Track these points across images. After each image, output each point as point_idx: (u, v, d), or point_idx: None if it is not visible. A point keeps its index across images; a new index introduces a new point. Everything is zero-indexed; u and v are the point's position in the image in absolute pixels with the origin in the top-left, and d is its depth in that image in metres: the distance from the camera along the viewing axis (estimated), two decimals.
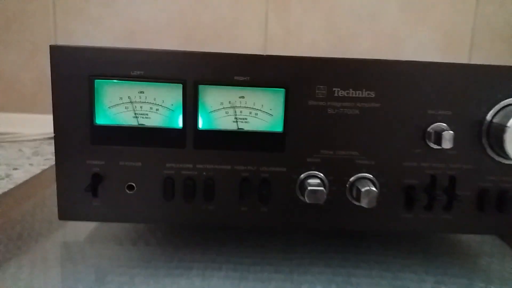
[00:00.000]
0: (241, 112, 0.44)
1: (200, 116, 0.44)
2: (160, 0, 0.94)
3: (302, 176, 0.44)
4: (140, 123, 0.44)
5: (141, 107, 0.44)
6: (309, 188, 0.42)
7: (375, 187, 0.44)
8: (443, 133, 0.41)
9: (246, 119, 0.44)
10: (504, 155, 0.42)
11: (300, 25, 0.92)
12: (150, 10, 0.94)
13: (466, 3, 0.91)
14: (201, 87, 0.43)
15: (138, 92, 0.44)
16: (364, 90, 0.43)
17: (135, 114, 0.45)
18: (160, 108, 0.44)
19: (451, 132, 0.42)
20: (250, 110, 0.44)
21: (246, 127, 0.44)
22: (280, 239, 0.55)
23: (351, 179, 0.44)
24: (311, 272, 0.47)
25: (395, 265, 0.49)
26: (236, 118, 0.44)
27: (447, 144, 0.41)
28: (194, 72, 0.43)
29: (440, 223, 0.45)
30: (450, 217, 0.45)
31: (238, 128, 0.44)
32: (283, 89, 0.43)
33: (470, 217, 0.45)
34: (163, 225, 0.58)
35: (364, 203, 0.42)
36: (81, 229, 0.57)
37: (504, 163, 0.44)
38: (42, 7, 0.93)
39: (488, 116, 0.44)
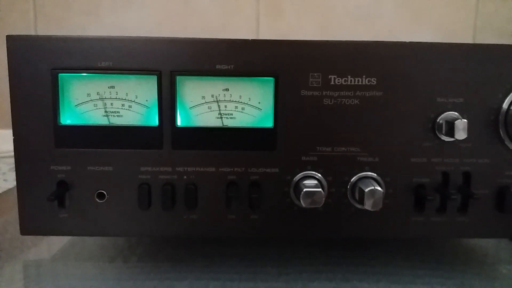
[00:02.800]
0: (225, 106, 0.39)
1: (179, 112, 0.38)
2: (146, 7, 0.89)
3: (297, 177, 0.39)
4: (111, 122, 0.39)
5: (111, 104, 0.39)
6: (305, 190, 0.37)
7: (380, 187, 0.38)
8: (456, 122, 0.36)
9: (231, 114, 0.39)
10: None
11: (293, 28, 0.88)
12: (136, 17, 0.89)
13: (466, 2, 0.87)
14: (179, 78, 0.38)
15: (108, 87, 0.39)
16: (364, 76, 0.38)
17: (105, 112, 0.39)
18: (133, 104, 0.39)
19: (465, 120, 0.36)
20: (236, 104, 0.39)
21: (232, 123, 0.39)
22: (275, 250, 0.49)
23: (353, 179, 0.39)
24: (310, 287, 0.41)
25: (405, 276, 0.43)
26: (220, 113, 0.39)
27: (461, 134, 0.36)
28: (170, 61, 0.37)
29: (455, 226, 0.40)
30: (465, 220, 0.40)
31: (223, 125, 0.39)
32: (272, 78, 0.38)
33: (488, 219, 0.40)
34: (142, 238, 0.52)
35: (368, 205, 0.36)
36: (56, 245, 0.51)
37: None
38: (22, 17, 0.88)
39: (505, 104, 0.38)
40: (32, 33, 0.87)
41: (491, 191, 0.39)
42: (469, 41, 0.89)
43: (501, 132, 0.39)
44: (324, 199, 0.37)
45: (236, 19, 0.87)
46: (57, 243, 0.52)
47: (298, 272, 0.44)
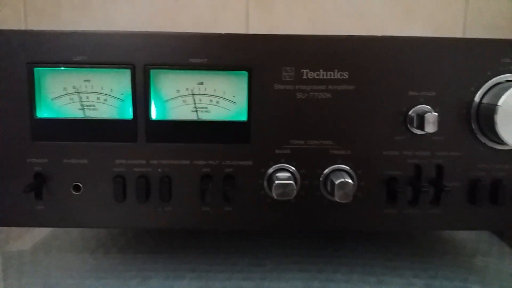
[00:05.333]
0: (200, 100, 0.40)
1: (154, 105, 0.39)
2: (137, 2, 0.89)
3: (271, 169, 0.39)
4: (86, 115, 0.39)
5: (87, 97, 0.40)
6: (276, 182, 0.37)
7: (352, 180, 0.39)
8: (426, 115, 0.37)
9: (206, 108, 0.40)
10: (497, 139, 0.37)
11: (283, 23, 0.88)
12: (126, 13, 0.90)
13: None
14: (153, 72, 0.38)
15: (84, 81, 0.39)
16: (336, 70, 0.38)
17: (81, 105, 0.40)
18: (108, 98, 0.40)
19: (435, 113, 0.37)
20: (211, 98, 0.40)
21: (207, 117, 0.39)
22: (251, 241, 0.50)
23: (325, 171, 0.39)
24: (285, 279, 0.42)
25: (379, 268, 0.44)
26: (195, 107, 0.39)
27: (430, 127, 0.36)
28: (144, 54, 0.38)
29: (428, 218, 0.40)
30: (438, 212, 0.40)
31: (198, 118, 0.39)
32: (245, 72, 0.38)
33: (460, 211, 0.40)
34: (124, 230, 0.53)
35: (338, 196, 0.37)
36: (38, 237, 0.52)
37: (497, 149, 0.39)
38: (13, 12, 0.89)
39: (477, 97, 0.39)
40: (22, 27, 0.87)
41: (463, 184, 0.40)
42: (459, 35, 0.89)
43: (473, 125, 0.39)
44: (295, 191, 0.37)
45: (226, 14, 0.88)
46: (39, 234, 0.52)
47: (274, 264, 0.45)
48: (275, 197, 0.37)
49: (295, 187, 0.37)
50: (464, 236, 0.55)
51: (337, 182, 0.37)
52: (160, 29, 0.79)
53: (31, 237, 0.52)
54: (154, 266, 0.44)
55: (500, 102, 0.36)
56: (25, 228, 0.53)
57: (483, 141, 0.39)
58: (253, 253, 0.47)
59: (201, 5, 0.88)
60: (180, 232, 0.52)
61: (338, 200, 0.37)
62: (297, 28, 0.83)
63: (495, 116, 0.36)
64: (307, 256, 0.46)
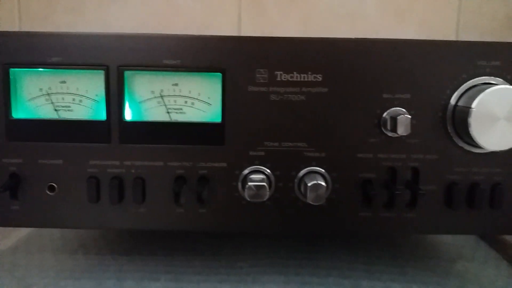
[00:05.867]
0: (175, 101, 0.40)
1: (128, 106, 0.39)
2: (130, 5, 0.90)
3: (245, 171, 0.39)
4: (61, 116, 0.40)
5: (63, 98, 0.40)
6: (249, 184, 0.37)
7: (326, 182, 0.39)
8: (398, 117, 0.36)
9: (181, 109, 0.40)
10: (472, 142, 0.37)
11: (275, 26, 0.88)
12: (120, 15, 0.90)
13: None
14: (127, 73, 0.38)
15: (60, 82, 0.40)
16: (310, 73, 0.38)
17: (56, 106, 0.40)
18: (83, 99, 0.40)
19: (408, 116, 0.36)
20: (186, 99, 0.40)
21: (182, 118, 0.39)
22: (229, 244, 0.50)
23: (300, 173, 0.39)
24: (261, 281, 0.42)
25: (356, 271, 0.43)
26: (170, 108, 0.39)
27: (403, 130, 0.36)
28: (118, 56, 0.38)
29: (404, 222, 0.40)
30: (414, 216, 0.40)
31: (172, 120, 0.39)
32: (219, 74, 0.38)
33: (437, 215, 0.40)
34: (104, 231, 0.53)
35: (310, 199, 0.37)
36: (17, 237, 0.52)
37: (473, 152, 0.39)
38: (7, 15, 0.90)
39: (453, 99, 0.38)
40: (16, 29, 0.88)
41: (439, 187, 0.39)
42: (452, 37, 0.88)
43: (449, 128, 0.39)
44: (268, 193, 0.37)
45: (218, 17, 0.88)
46: (18, 234, 0.53)
47: (252, 266, 0.44)
48: (248, 198, 0.37)
49: (267, 189, 0.37)
50: (449, 240, 0.54)
51: (309, 184, 0.37)
52: (154, 30, 0.80)
53: (15, 236, 0.52)
54: (131, 267, 0.44)
55: (474, 105, 0.36)
56: (10, 228, 0.53)
57: (459, 144, 0.39)
58: (230, 255, 0.46)
59: (194, 8, 0.89)
60: (160, 233, 0.52)
61: (310, 202, 0.37)
62: (289, 31, 0.83)
63: (469, 119, 0.36)
64: (285, 259, 0.45)
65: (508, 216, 0.40)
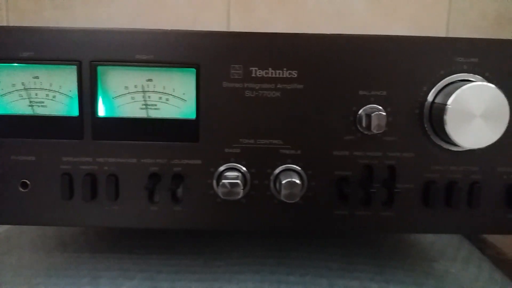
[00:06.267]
0: (149, 97, 0.39)
1: (102, 102, 0.38)
2: (119, 1, 0.89)
3: (220, 169, 0.39)
4: (36, 112, 0.39)
5: (36, 94, 0.39)
6: (223, 181, 0.36)
7: (302, 180, 0.38)
8: (372, 115, 0.36)
9: (155, 105, 0.39)
10: (449, 140, 0.37)
11: (264, 23, 0.88)
12: (108, 11, 0.90)
13: None
14: (101, 68, 0.38)
15: (33, 77, 0.39)
16: (285, 69, 0.38)
17: (30, 102, 0.39)
18: (57, 95, 0.39)
19: (382, 113, 0.36)
20: (160, 95, 0.39)
21: (156, 114, 0.39)
22: (208, 242, 0.49)
23: (276, 171, 0.39)
24: (237, 280, 0.41)
25: (334, 270, 0.43)
26: (144, 104, 0.39)
27: (376, 127, 0.36)
28: (90, 51, 0.37)
29: (380, 221, 0.39)
30: (391, 214, 0.39)
31: (147, 116, 0.39)
32: (193, 69, 0.37)
33: (414, 214, 0.39)
34: (87, 229, 0.52)
35: (284, 196, 0.36)
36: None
37: (451, 150, 0.39)
38: None
39: (430, 96, 0.38)
40: (4, 24, 0.87)
41: (417, 186, 0.39)
42: (442, 35, 0.88)
43: (426, 126, 0.38)
44: (242, 191, 0.37)
45: (207, 14, 0.87)
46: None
47: (229, 265, 0.44)
48: (221, 196, 0.37)
49: (241, 187, 0.37)
50: (432, 239, 0.54)
51: (283, 182, 0.37)
52: (141, 26, 0.79)
53: None
54: (107, 265, 0.44)
55: (449, 102, 0.35)
56: None
57: (437, 142, 0.38)
58: (209, 254, 0.46)
59: (182, 4, 0.88)
60: (141, 232, 0.51)
61: (284, 200, 0.37)
62: (278, 28, 0.82)
63: (445, 117, 0.35)
64: (263, 258, 0.45)
65: (486, 215, 0.39)
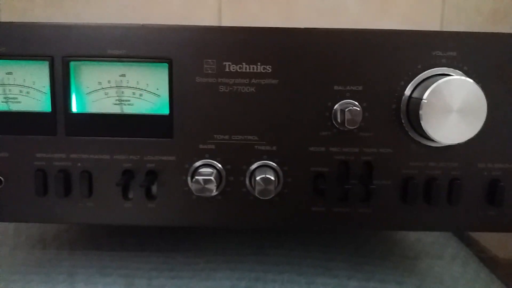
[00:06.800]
0: (123, 93, 0.39)
1: (75, 98, 0.38)
2: None
3: (195, 165, 0.38)
4: (10, 108, 0.39)
5: (10, 90, 0.39)
6: (195, 178, 0.36)
7: (278, 176, 0.37)
8: (346, 110, 0.35)
9: (129, 100, 0.39)
10: (426, 135, 0.36)
11: (256, 19, 0.87)
12: (99, 8, 0.89)
13: None
14: (74, 64, 0.37)
15: (6, 73, 0.39)
16: (259, 64, 0.37)
17: (4, 98, 0.39)
18: (31, 90, 0.39)
19: (356, 108, 0.35)
20: (134, 91, 0.39)
21: (130, 110, 0.38)
22: (186, 239, 0.49)
23: (251, 167, 0.38)
24: (214, 278, 0.41)
25: (313, 268, 0.42)
26: (117, 100, 0.38)
27: (350, 123, 0.35)
28: (62, 46, 0.37)
29: (358, 217, 0.39)
30: (368, 211, 0.38)
31: (120, 112, 0.38)
32: (165, 64, 0.37)
33: (392, 211, 0.39)
34: (68, 225, 0.52)
35: (258, 192, 0.36)
36: None
37: (430, 146, 0.38)
38: None
39: (407, 91, 0.37)
40: None
41: (395, 182, 0.38)
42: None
43: (403, 121, 0.37)
44: (215, 187, 0.36)
45: (198, 10, 0.87)
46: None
47: (206, 262, 0.43)
48: (195, 193, 0.36)
49: (215, 183, 0.36)
50: (418, 237, 0.53)
51: (257, 178, 0.36)
52: (133, 22, 0.78)
53: None
54: (85, 262, 0.43)
55: (425, 96, 0.34)
56: None
57: (415, 138, 0.38)
58: (188, 251, 0.46)
59: (174, 2, 0.88)
60: (122, 229, 0.51)
61: (259, 197, 0.36)
62: (270, 24, 0.82)
63: (420, 111, 0.35)
64: (242, 255, 0.44)
65: (466, 212, 0.39)
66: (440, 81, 0.34)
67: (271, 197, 0.36)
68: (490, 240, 0.53)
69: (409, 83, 0.37)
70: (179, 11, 0.82)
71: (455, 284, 0.42)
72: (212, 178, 0.36)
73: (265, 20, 0.87)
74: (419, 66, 0.37)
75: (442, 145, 0.37)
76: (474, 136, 0.35)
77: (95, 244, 0.47)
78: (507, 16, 0.87)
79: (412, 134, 0.38)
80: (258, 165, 0.38)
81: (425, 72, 0.37)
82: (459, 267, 0.47)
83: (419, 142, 0.38)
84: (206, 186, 0.36)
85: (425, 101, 0.34)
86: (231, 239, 0.48)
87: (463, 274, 0.45)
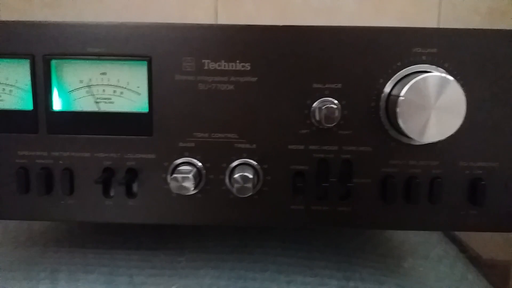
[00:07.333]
0: (104, 91, 0.39)
1: (57, 96, 0.38)
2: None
3: (174, 163, 0.38)
4: None
5: None
6: (173, 175, 0.36)
7: (257, 174, 0.37)
8: (323, 108, 0.35)
9: (110, 99, 0.39)
10: (405, 133, 0.36)
11: (252, 19, 0.87)
12: (96, 9, 0.90)
13: None
14: (55, 62, 0.38)
15: None
16: (238, 62, 0.37)
17: None
18: (14, 89, 0.39)
19: (333, 106, 0.35)
20: (115, 89, 0.39)
21: (111, 108, 0.39)
22: (168, 236, 0.49)
23: (231, 165, 0.38)
24: (195, 275, 0.41)
25: (294, 266, 0.42)
26: (98, 98, 0.39)
27: (328, 120, 0.35)
28: (42, 44, 0.37)
29: (337, 216, 0.38)
30: (348, 209, 0.38)
31: (101, 110, 0.38)
32: (144, 61, 0.37)
33: (372, 209, 0.38)
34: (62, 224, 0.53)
35: (236, 190, 0.36)
36: None
37: (410, 144, 0.38)
38: None
39: (386, 88, 0.37)
40: None
41: (374, 180, 0.38)
42: None
43: (382, 119, 0.37)
44: (193, 185, 0.36)
45: (195, 11, 0.87)
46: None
47: (188, 260, 0.44)
48: (173, 191, 0.36)
49: (192, 181, 0.36)
50: (405, 236, 0.53)
51: (235, 176, 0.36)
52: None
53: None
54: (68, 260, 0.44)
55: (402, 93, 0.34)
56: None
57: (394, 136, 0.37)
58: (172, 249, 0.46)
59: (170, 2, 0.88)
60: (111, 227, 0.51)
61: (237, 195, 0.36)
62: (266, 23, 0.82)
63: (397, 109, 0.34)
64: (223, 253, 0.44)
65: (448, 211, 0.38)
66: (417, 78, 0.34)
67: (249, 195, 0.36)
68: (474, 240, 0.53)
69: (388, 80, 0.37)
70: (175, 11, 0.83)
71: (439, 285, 0.42)
72: (190, 176, 0.36)
73: (261, 19, 0.87)
74: (399, 63, 0.37)
75: (423, 143, 0.37)
76: (455, 134, 0.35)
77: (81, 241, 0.47)
78: (504, 15, 0.86)
79: (392, 132, 0.37)
80: (238, 163, 0.38)
81: (405, 69, 0.37)
82: (446, 268, 0.46)
83: (399, 140, 0.38)
84: (183, 184, 0.36)
85: (402, 98, 0.34)
86: (213, 237, 0.48)
87: (449, 274, 0.45)
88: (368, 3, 0.85)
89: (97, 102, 0.39)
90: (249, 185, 0.36)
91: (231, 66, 0.37)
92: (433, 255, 0.49)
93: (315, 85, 0.37)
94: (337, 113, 0.35)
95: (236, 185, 0.36)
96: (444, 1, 0.86)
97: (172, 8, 0.86)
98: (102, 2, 0.87)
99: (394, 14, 0.84)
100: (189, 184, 0.36)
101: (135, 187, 0.39)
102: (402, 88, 0.35)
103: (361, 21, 0.84)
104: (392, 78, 0.37)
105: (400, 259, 0.46)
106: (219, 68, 0.37)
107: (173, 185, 0.36)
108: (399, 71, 0.37)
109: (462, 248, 0.49)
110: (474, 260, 0.48)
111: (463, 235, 0.53)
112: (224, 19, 0.88)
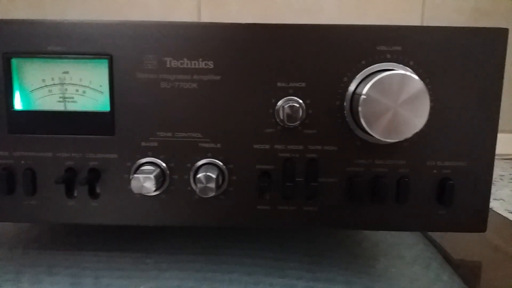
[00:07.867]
0: (66, 90, 0.38)
1: (19, 95, 0.38)
2: (89, 0, 0.89)
3: (137, 163, 0.38)
4: None
5: None
6: (134, 175, 0.35)
7: (223, 174, 0.37)
8: (285, 106, 0.34)
9: (73, 98, 0.38)
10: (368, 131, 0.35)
11: (235, 19, 0.87)
12: (78, 10, 0.90)
13: None
14: (16, 61, 0.37)
15: None
16: (201, 60, 0.36)
17: None
18: None
19: (295, 105, 0.35)
20: (77, 88, 0.38)
21: (74, 107, 0.38)
22: (135, 238, 0.48)
23: (195, 165, 0.37)
24: (162, 278, 0.40)
25: (263, 268, 0.42)
26: (61, 97, 0.38)
27: (291, 119, 0.35)
28: (2, 42, 0.37)
29: (304, 215, 0.38)
30: (314, 209, 0.38)
31: (64, 109, 0.38)
32: (105, 60, 0.37)
33: (339, 209, 0.38)
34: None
35: (198, 191, 0.35)
36: None
37: (376, 144, 0.37)
38: None
39: (351, 87, 0.36)
40: None
41: (340, 180, 0.37)
42: None
43: (347, 118, 0.37)
44: (154, 185, 0.36)
45: (178, 11, 0.87)
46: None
47: (156, 262, 0.43)
48: (134, 191, 0.36)
49: (153, 181, 0.36)
50: (381, 237, 0.52)
51: (197, 176, 0.36)
52: None
53: None
54: (34, 261, 0.43)
55: (364, 92, 0.34)
56: None
57: (359, 135, 0.37)
58: (140, 252, 0.45)
59: (152, 2, 0.88)
60: (77, 228, 0.51)
61: (200, 195, 0.36)
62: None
63: (359, 107, 0.34)
64: (191, 255, 0.44)
65: (415, 211, 0.38)
66: (378, 76, 0.34)
67: (214, 195, 0.36)
68: (447, 240, 0.52)
69: (353, 79, 0.36)
70: (158, 11, 0.83)
71: (410, 285, 0.41)
72: (151, 176, 0.36)
73: (244, 19, 0.86)
74: (363, 62, 0.36)
75: (387, 143, 0.36)
76: (422, 133, 0.35)
77: (49, 242, 0.47)
78: (488, 14, 0.86)
79: (357, 131, 0.37)
80: (203, 163, 0.38)
81: (369, 67, 0.36)
82: (420, 269, 0.46)
83: (365, 140, 0.37)
84: (144, 184, 0.36)
85: (364, 97, 0.34)
86: (181, 238, 0.47)
87: (423, 275, 0.44)
88: (349, 3, 0.85)
89: (59, 102, 0.38)
90: (212, 185, 0.35)
91: (194, 64, 0.36)
92: (408, 255, 0.48)
93: (279, 84, 0.36)
94: (300, 112, 0.35)
95: (199, 185, 0.35)
96: (428, 2, 0.86)
97: (154, 8, 0.85)
98: (84, 4, 0.87)
99: (376, 15, 0.84)
100: (150, 185, 0.35)
101: (98, 187, 0.38)
102: (365, 87, 0.34)
103: (342, 22, 0.83)
104: (357, 77, 0.36)
105: (373, 260, 0.45)
106: (181, 66, 0.37)
107: (134, 185, 0.35)
108: (363, 69, 0.36)
109: (439, 250, 0.48)
110: (450, 261, 0.47)
111: (436, 236, 0.52)
112: (207, 19, 0.87)
